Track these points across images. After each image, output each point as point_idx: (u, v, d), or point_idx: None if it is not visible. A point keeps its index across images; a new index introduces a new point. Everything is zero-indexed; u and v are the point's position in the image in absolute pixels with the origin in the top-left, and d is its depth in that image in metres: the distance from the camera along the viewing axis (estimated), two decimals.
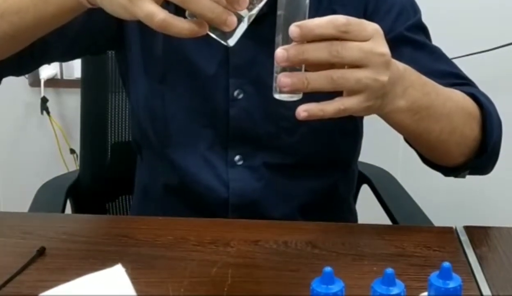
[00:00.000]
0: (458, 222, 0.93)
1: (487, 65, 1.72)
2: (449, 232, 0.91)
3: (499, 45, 1.73)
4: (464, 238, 0.89)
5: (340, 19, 0.68)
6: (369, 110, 0.75)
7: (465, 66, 1.01)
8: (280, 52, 0.67)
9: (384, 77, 0.71)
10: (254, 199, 1.00)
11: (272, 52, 0.69)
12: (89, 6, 0.75)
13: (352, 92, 0.71)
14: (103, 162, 1.30)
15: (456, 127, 0.87)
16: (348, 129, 1.04)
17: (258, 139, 0.99)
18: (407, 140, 0.93)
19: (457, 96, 0.89)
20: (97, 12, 0.81)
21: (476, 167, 0.94)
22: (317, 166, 1.02)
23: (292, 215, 1.02)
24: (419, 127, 0.83)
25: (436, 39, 1.02)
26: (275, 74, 0.70)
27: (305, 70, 0.70)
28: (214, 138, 0.98)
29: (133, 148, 1.10)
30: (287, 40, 0.68)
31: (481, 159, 0.92)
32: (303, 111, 0.70)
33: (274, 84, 0.71)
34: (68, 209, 1.23)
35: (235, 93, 0.97)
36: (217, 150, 0.99)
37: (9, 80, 1.01)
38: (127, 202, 1.36)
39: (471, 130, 0.90)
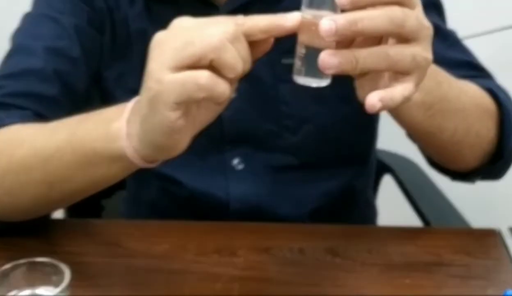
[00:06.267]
0: (498, 222, 0.81)
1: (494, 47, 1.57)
2: (491, 235, 0.78)
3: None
4: (511, 241, 0.76)
5: None
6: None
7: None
8: (326, 24, 0.54)
9: (431, 55, 0.59)
10: (258, 205, 0.88)
11: None
12: (145, 165, 0.63)
13: (404, 73, 0.57)
14: None
15: (471, 126, 0.76)
16: (362, 123, 0.91)
17: (257, 140, 0.87)
18: (411, 137, 0.81)
19: (472, 90, 0.78)
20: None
21: (488, 172, 0.83)
22: (328, 165, 0.90)
23: (302, 221, 0.89)
24: (431, 125, 0.72)
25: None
26: (298, 55, 0.58)
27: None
28: (207, 145, 0.86)
29: None
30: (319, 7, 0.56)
31: (496, 165, 0.80)
32: (378, 101, 0.56)
33: (297, 67, 0.58)
34: None
35: None
36: (212, 156, 0.87)
37: None
38: None
39: (488, 130, 0.78)
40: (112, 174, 0.66)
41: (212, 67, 0.55)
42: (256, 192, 0.89)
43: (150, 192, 0.93)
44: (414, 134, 0.77)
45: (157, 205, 0.94)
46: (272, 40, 0.58)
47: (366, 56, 0.55)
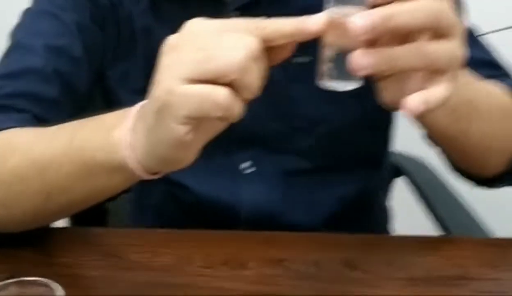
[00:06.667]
0: None
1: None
2: None
3: None
4: None
5: None
6: None
7: None
8: (358, 21, 0.49)
9: (465, 52, 0.53)
10: (269, 211, 0.83)
11: None
12: (148, 177, 0.58)
13: (439, 72, 0.52)
14: None
15: (497, 129, 0.72)
16: (377, 123, 0.87)
17: (268, 142, 0.82)
18: (433, 141, 0.76)
19: (496, 91, 0.74)
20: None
21: None
22: (343, 168, 0.85)
23: (316, 228, 0.84)
24: (457, 130, 0.68)
25: None
26: (325, 57, 0.53)
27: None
28: (214, 147, 0.81)
29: None
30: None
31: None
32: (420, 104, 0.51)
33: (324, 70, 0.53)
34: None
35: None
36: (220, 158, 0.82)
37: None
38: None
39: None
40: (113, 185, 0.61)
41: (229, 84, 0.50)
42: (267, 197, 0.84)
43: (155, 196, 0.89)
44: (438, 139, 0.72)
45: (162, 211, 0.89)
46: (293, 45, 0.53)
47: (401, 55, 0.49)
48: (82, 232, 0.76)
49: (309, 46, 0.54)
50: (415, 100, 0.50)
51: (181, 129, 0.51)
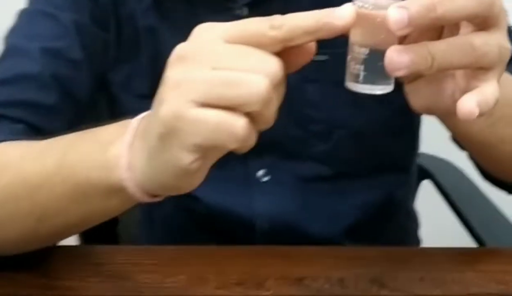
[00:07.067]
0: None
1: None
2: None
3: None
4: None
5: None
6: None
7: None
8: (396, 13, 0.42)
9: (510, 44, 0.47)
10: (286, 222, 0.78)
11: None
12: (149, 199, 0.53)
13: (487, 68, 0.46)
14: None
15: None
16: (402, 126, 0.81)
17: (283, 148, 0.77)
18: (465, 146, 0.69)
19: None
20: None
21: None
22: (365, 175, 0.80)
23: (337, 238, 0.79)
24: (492, 135, 0.62)
25: None
26: (357, 57, 0.46)
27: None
28: (227, 156, 0.76)
29: None
30: None
31: None
32: (476, 107, 0.45)
33: (354, 72, 0.47)
34: None
35: None
36: (233, 167, 0.77)
37: None
38: None
39: None
40: (110, 207, 0.55)
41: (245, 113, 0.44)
42: (284, 206, 0.79)
43: (164, 208, 0.83)
44: (470, 145, 0.66)
45: (172, 223, 0.84)
46: (314, 46, 0.47)
47: (445, 50, 0.43)
48: (85, 251, 0.70)
49: (326, 42, 0.48)
50: (470, 103, 0.44)
51: (187, 158, 0.45)
